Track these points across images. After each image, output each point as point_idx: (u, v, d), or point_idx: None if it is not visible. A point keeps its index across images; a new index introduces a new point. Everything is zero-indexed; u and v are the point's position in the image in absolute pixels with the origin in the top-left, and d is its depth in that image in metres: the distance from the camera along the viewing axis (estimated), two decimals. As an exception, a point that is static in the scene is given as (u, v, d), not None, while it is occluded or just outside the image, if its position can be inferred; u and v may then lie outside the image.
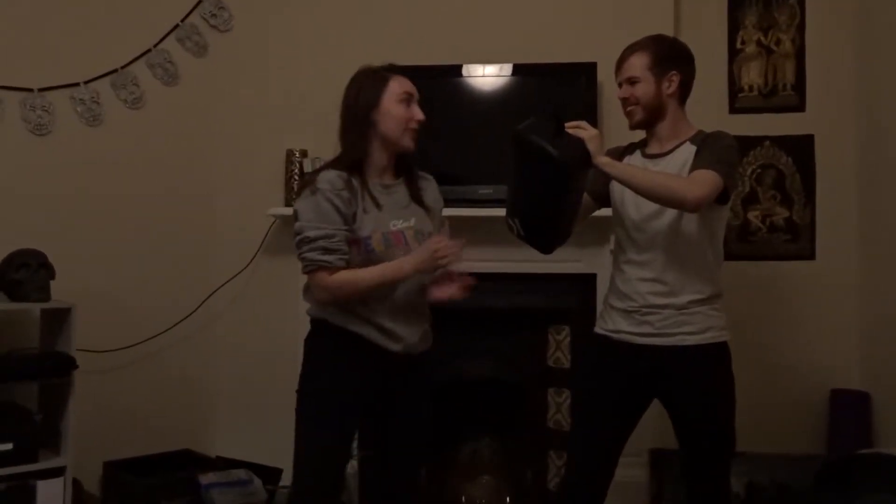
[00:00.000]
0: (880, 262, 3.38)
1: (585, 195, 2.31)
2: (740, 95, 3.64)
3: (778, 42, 3.63)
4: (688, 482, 2.33)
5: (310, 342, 2.22)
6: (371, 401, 2.18)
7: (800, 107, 3.61)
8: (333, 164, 2.14)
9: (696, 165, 2.15)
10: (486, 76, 3.44)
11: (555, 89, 3.35)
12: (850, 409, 3.41)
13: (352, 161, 2.12)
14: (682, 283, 2.23)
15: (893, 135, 3.25)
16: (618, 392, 2.32)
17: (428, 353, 2.24)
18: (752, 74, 3.64)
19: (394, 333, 2.12)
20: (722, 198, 2.17)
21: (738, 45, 3.65)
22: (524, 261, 3.08)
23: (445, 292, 2.15)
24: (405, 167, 2.23)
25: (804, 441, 3.46)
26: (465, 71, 3.44)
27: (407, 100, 2.16)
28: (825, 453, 3.37)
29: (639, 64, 2.26)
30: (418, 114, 2.17)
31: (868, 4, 3.49)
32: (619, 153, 2.37)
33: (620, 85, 2.31)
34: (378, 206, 2.12)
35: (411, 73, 3.41)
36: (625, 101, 2.30)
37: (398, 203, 2.18)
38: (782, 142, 3.60)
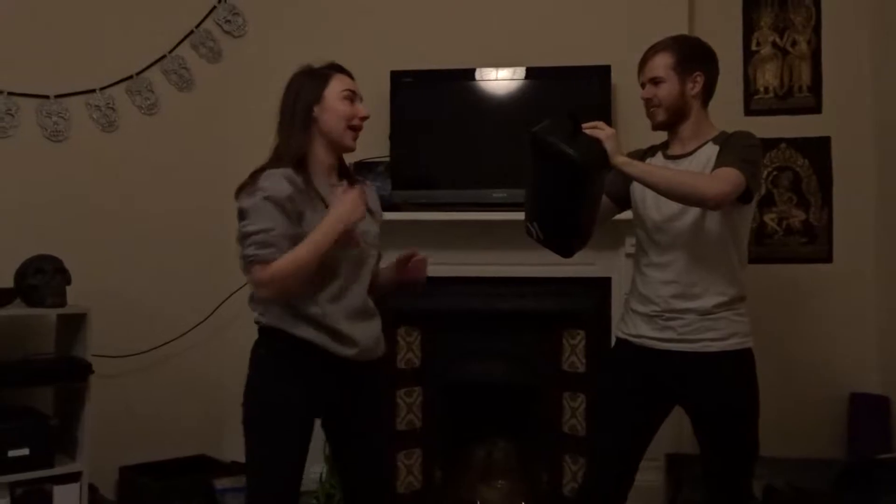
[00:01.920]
0: (898, 264, 3.35)
1: (605, 198, 2.28)
2: (756, 97, 3.61)
3: (794, 43, 3.60)
4: (709, 489, 2.30)
5: (257, 351, 2.09)
6: (326, 411, 2.09)
7: (816, 108, 3.58)
8: (276, 163, 2.02)
9: (718, 164, 2.13)
10: (500, 79, 3.43)
11: (568, 92, 3.34)
12: (869, 412, 3.37)
13: (294, 158, 2.01)
14: (705, 284, 2.20)
15: (911, 136, 3.23)
16: (638, 397, 2.29)
17: (381, 359, 2.14)
18: (768, 76, 3.61)
19: (349, 338, 2.02)
20: (745, 197, 2.14)
21: (754, 47, 3.62)
22: (538, 264, 3.07)
23: (412, 273, 2.16)
24: (346, 172, 2.16)
25: (823, 445, 3.42)
26: (478, 74, 3.43)
27: (350, 97, 2.07)
28: (844, 457, 3.34)
29: (662, 64, 2.23)
30: (362, 111, 2.08)
31: (884, 4, 3.47)
32: (641, 155, 2.34)
33: (643, 85, 2.28)
34: (326, 205, 2.01)
35: (424, 76, 3.48)
36: (648, 102, 2.27)
37: None
38: (798, 144, 3.57)
